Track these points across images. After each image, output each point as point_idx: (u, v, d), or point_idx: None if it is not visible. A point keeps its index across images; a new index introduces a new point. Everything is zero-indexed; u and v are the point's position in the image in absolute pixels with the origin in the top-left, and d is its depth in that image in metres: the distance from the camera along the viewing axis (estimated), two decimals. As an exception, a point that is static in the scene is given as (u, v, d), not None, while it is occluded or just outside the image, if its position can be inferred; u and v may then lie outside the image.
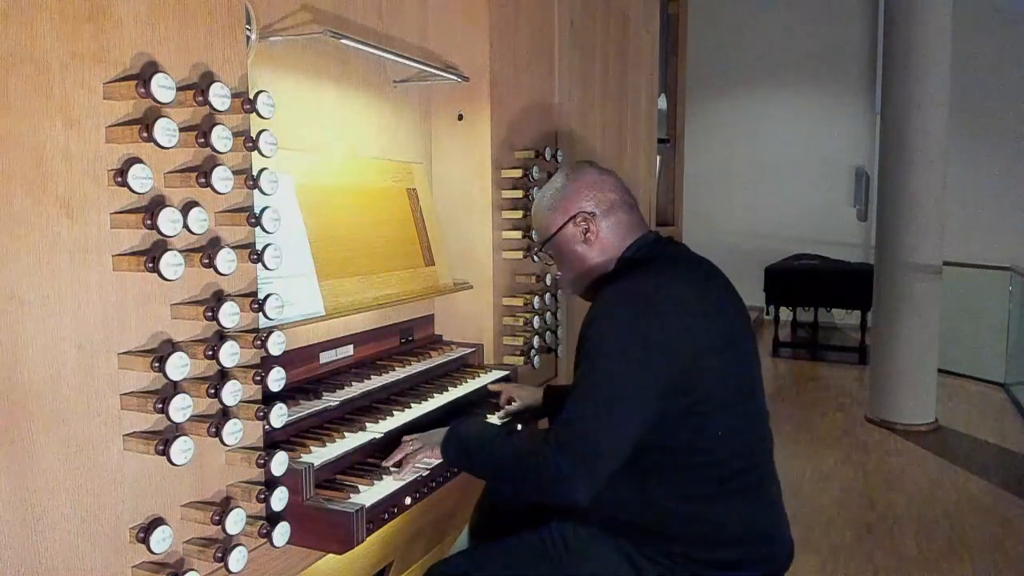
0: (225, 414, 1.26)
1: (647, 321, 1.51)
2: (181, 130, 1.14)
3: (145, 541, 1.15)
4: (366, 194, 2.03)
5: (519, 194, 2.40)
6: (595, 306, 1.59)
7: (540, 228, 1.80)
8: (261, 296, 1.30)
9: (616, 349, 1.52)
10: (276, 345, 1.29)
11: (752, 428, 1.64)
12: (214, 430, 1.21)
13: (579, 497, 1.49)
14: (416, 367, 2.08)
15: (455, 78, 2.24)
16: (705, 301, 1.60)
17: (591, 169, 1.78)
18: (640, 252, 1.70)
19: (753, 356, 1.69)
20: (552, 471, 1.48)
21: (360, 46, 1.87)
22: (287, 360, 1.49)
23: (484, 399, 2.14)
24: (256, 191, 1.30)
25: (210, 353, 1.21)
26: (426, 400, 1.94)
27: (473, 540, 2.08)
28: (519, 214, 2.40)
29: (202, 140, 1.18)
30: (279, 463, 1.33)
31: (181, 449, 1.15)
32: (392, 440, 1.72)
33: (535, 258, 2.45)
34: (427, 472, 1.64)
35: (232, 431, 1.23)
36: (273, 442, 1.41)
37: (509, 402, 2.09)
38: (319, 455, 1.55)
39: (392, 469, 1.64)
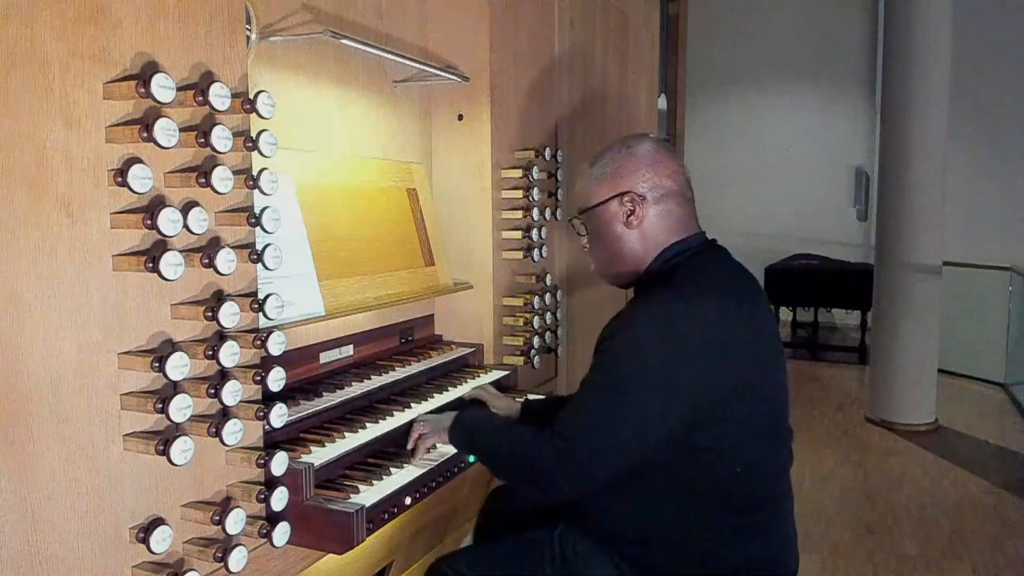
0: (225, 414, 1.26)
1: (674, 354, 1.43)
2: (181, 130, 1.14)
3: (145, 541, 1.15)
4: (366, 194, 2.03)
5: (519, 194, 2.40)
6: (622, 321, 1.49)
7: (582, 196, 1.65)
8: (261, 296, 1.30)
9: (635, 367, 1.44)
10: (276, 345, 1.29)
11: (774, 456, 1.58)
12: (214, 430, 1.21)
13: (564, 492, 1.52)
14: (416, 367, 2.08)
15: (455, 78, 2.24)
16: (737, 328, 1.49)
17: (652, 145, 1.61)
18: (681, 258, 1.57)
19: (781, 380, 1.60)
20: (543, 465, 1.49)
21: (360, 46, 1.87)
22: (287, 360, 1.49)
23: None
24: (256, 191, 1.30)
25: (210, 353, 1.21)
26: (426, 400, 1.93)
27: (477, 541, 2.07)
28: (519, 214, 2.40)
29: (202, 140, 1.18)
30: (279, 463, 1.33)
31: (181, 449, 1.15)
32: (393, 440, 1.73)
33: (534, 258, 2.45)
34: (436, 463, 1.66)
35: (232, 431, 1.23)
36: (273, 442, 1.41)
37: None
38: (319, 455, 1.55)
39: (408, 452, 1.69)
